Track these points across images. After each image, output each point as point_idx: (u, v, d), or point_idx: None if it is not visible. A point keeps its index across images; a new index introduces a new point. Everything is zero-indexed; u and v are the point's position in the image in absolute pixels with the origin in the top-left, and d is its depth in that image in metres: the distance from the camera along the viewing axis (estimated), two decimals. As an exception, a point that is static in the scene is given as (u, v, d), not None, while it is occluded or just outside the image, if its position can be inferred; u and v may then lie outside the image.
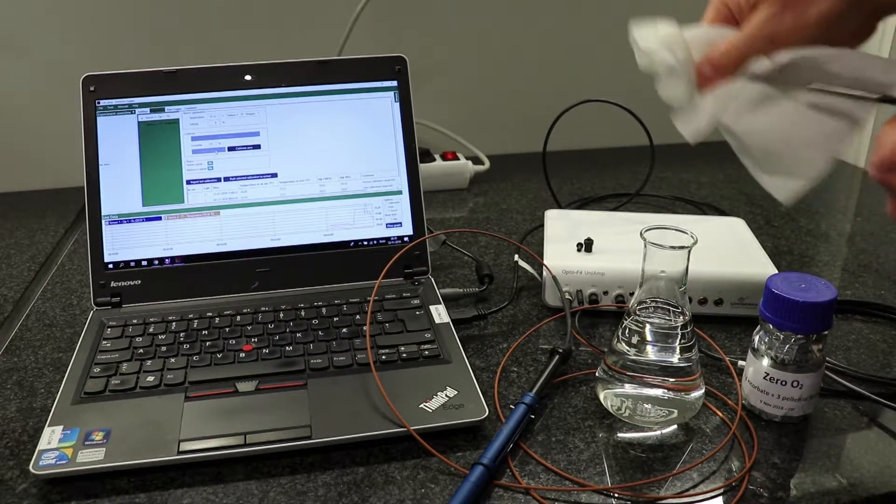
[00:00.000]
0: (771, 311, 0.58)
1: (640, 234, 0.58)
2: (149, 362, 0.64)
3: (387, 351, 0.66)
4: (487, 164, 1.15)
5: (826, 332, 0.58)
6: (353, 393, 0.61)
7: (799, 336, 0.58)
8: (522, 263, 0.83)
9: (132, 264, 0.74)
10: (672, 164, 1.19)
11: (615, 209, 1.00)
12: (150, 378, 0.62)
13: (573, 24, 1.20)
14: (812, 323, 0.57)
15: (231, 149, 0.76)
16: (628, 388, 0.60)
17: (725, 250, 0.78)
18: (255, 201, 0.76)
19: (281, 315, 0.71)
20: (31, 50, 1.04)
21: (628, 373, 0.60)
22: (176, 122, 0.76)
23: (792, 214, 1.02)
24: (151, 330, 0.69)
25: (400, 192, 0.79)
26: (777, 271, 0.73)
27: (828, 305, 0.56)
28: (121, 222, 0.74)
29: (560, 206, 1.00)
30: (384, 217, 0.78)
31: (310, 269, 0.76)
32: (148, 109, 0.75)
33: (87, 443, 0.56)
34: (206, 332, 0.69)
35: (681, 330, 0.59)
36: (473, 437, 0.59)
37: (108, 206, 0.74)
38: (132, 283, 0.73)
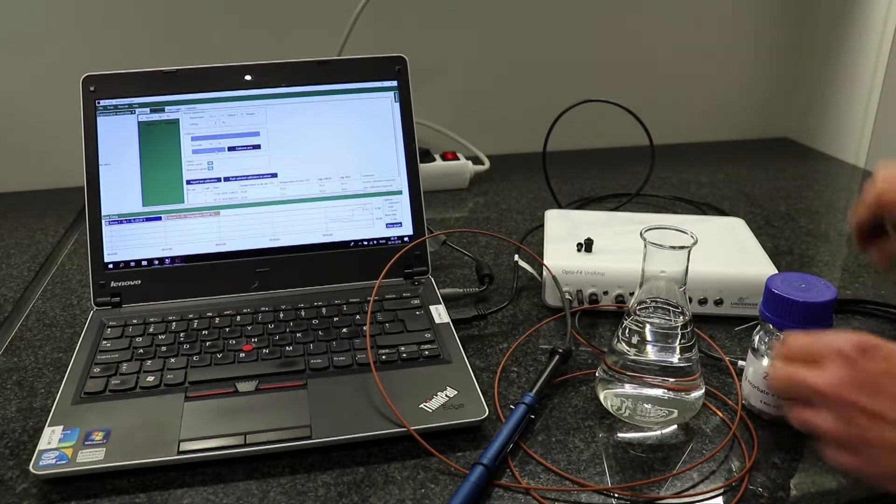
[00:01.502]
0: (771, 311, 0.58)
1: (640, 234, 0.58)
2: (149, 362, 0.64)
3: (387, 351, 0.66)
4: (487, 164, 1.15)
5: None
6: (353, 393, 0.61)
7: (799, 336, 0.58)
8: (522, 263, 0.83)
9: (132, 264, 0.74)
10: (672, 164, 1.19)
11: (615, 209, 1.00)
12: (150, 378, 0.62)
13: (573, 24, 1.20)
14: (812, 323, 0.57)
15: (231, 149, 0.76)
16: (628, 388, 0.60)
17: (725, 250, 0.78)
18: (255, 201, 0.76)
19: (281, 315, 0.71)
20: (31, 50, 1.04)
21: (628, 373, 0.60)
22: (176, 122, 0.76)
23: (792, 214, 1.02)
24: (151, 330, 0.69)
25: (400, 192, 0.79)
26: (777, 271, 0.73)
27: (828, 305, 0.56)
28: (121, 222, 0.74)
29: (560, 206, 1.00)
30: (384, 217, 0.78)
31: (310, 269, 0.76)
32: (148, 109, 0.75)
33: (87, 443, 0.56)
34: (206, 332, 0.69)
35: (681, 330, 0.59)
36: (473, 437, 0.59)
37: (108, 206, 0.74)
38: (132, 283, 0.73)
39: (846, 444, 0.47)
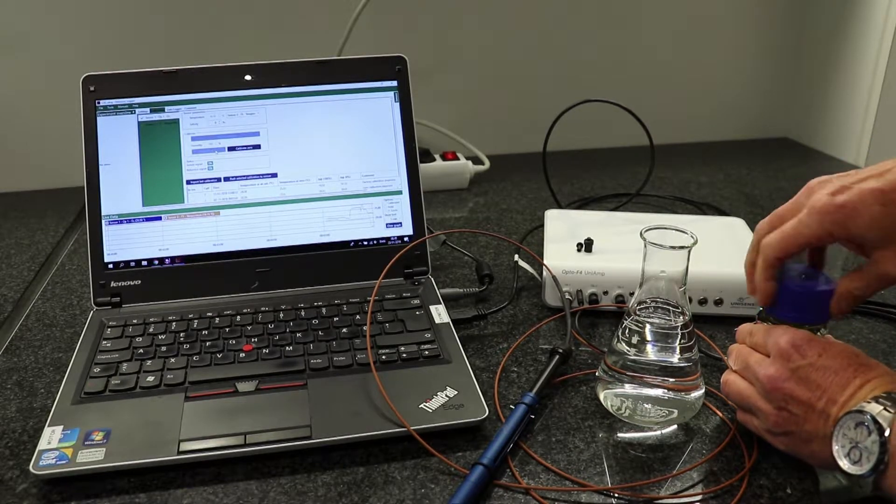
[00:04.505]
0: (775, 302, 0.57)
1: (640, 234, 0.58)
2: (149, 362, 0.64)
3: (387, 351, 0.66)
4: (487, 164, 1.15)
5: (826, 329, 0.58)
6: (353, 393, 0.61)
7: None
8: (522, 263, 0.83)
9: (132, 264, 0.74)
10: (672, 164, 1.19)
11: (615, 209, 1.00)
12: (150, 378, 0.62)
13: (573, 24, 1.20)
14: (814, 313, 0.56)
15: (231, 149, 0.76)
16: (628, 388, 0.60)
17: (725, 250, 0.78)
18: (255, 201, 0.76)
19: (281, 315, 0.71)
20: (31, 50, 1.04)
21: (628, 373, 0.60)
22: (176, 122, 0.76)
23: (792, 214, 1.01)
24: (151, 330, 0.69)
25: (400, 192, 0.79)
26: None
27: (831, 295, 0.56)
28: (121, 222, 0.74)
29: (560, 206, 1.00)
30: (384, 217, 0.78)
31: (309, 269, 0.76)
32: (148, 109, 0.75)
33: (87, 443, 0.56)
34: (206, 332, 0.69)
35: (681, 330, 0.59)
36: (473, 437, 0.59)
37: (108, 206, 0.74)
38: (132, 283, 0.73)
39: (782, 429, 0.53)
